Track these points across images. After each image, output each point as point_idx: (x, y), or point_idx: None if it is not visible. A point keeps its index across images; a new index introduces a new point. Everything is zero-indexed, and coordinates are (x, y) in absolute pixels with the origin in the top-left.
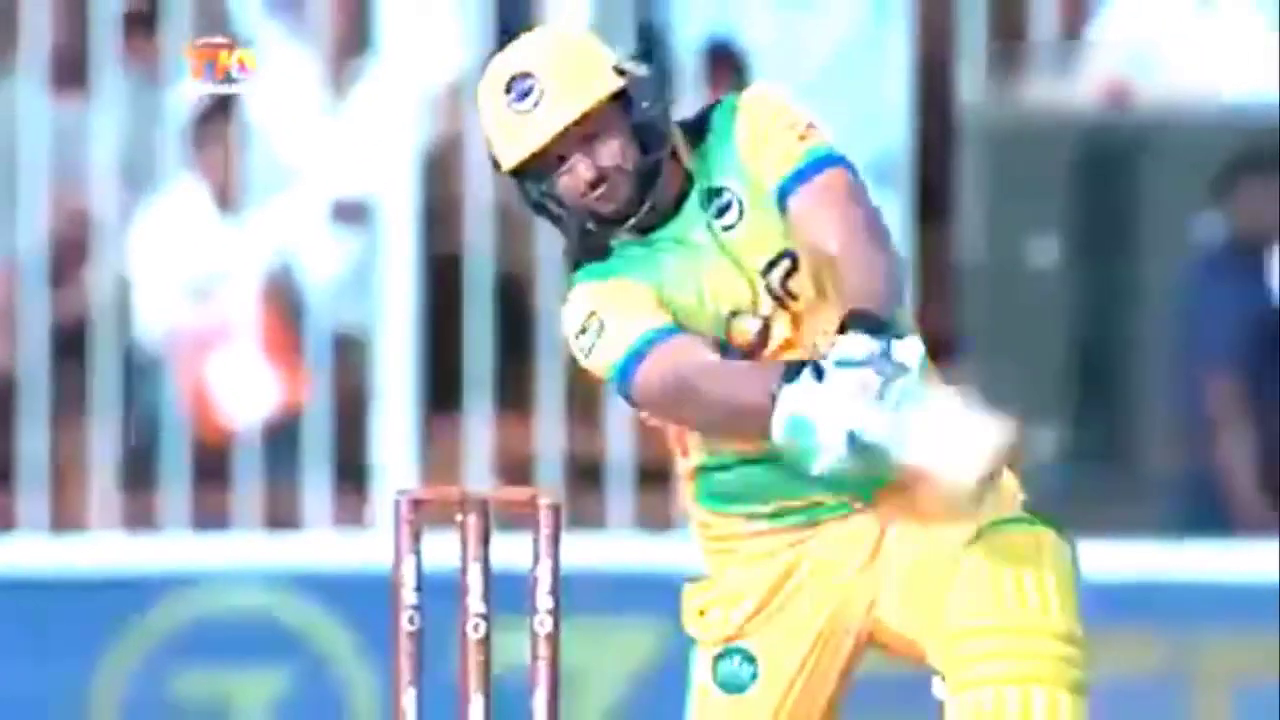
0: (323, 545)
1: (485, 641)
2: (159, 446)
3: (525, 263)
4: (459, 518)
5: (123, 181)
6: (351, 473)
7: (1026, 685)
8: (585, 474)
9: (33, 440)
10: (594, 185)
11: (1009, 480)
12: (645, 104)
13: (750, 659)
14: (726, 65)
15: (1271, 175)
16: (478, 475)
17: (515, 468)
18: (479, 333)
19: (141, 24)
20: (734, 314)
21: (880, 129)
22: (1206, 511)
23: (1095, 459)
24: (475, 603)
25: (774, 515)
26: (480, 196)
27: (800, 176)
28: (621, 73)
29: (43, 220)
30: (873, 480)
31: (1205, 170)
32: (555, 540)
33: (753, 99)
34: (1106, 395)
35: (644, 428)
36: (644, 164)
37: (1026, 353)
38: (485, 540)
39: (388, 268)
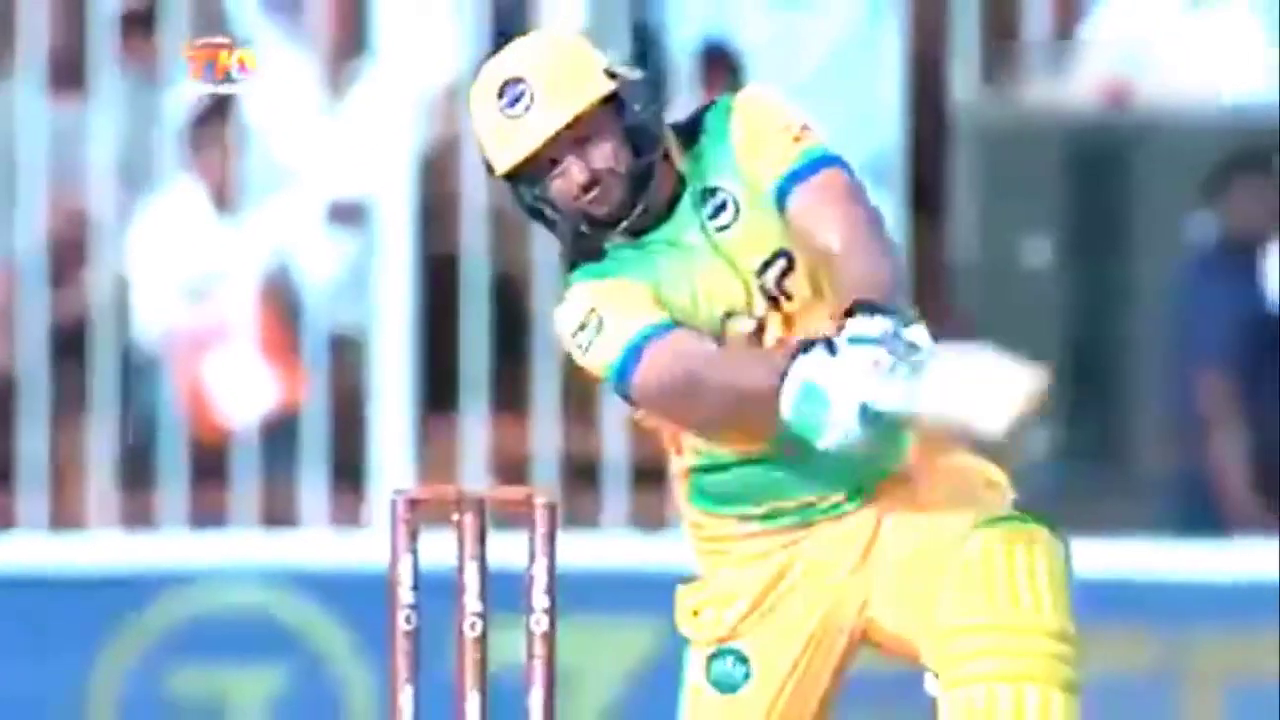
0: (319, 544)
1: (481, 640)
2: (157, 445)
3: (521, 264)
4: (455, 517)
5: (121, 182)
6: (348, 472)
7: (1019, 683)
8: (581, 474)
9: (31, 439)
10: (587, 188)
11: (1001, 478)
12: (637, 107)
13: (743, 659)
14: (721, 66)
15: (1264, 175)
16: (474, 475)
17: (511, 467)
18: (475, 333)
19: (139, 25)
20: (728, 315)
21: (874, 128)
22: (1199, 510)
23: (1088, 457)
24: (471, 601)
25: (766, 517)
26: (476, 198)
27: (798, 176)
28: (613, 76)
29: (41, 221)
30: (867, 477)
31: (1198, 170)
32: (551, 539)
33: (747, 100)
34: (1099, 394)
35: (639, 428)
36: (636, 166)
37: (1019, 351)
38: (481, 539)
39: (384, 268)
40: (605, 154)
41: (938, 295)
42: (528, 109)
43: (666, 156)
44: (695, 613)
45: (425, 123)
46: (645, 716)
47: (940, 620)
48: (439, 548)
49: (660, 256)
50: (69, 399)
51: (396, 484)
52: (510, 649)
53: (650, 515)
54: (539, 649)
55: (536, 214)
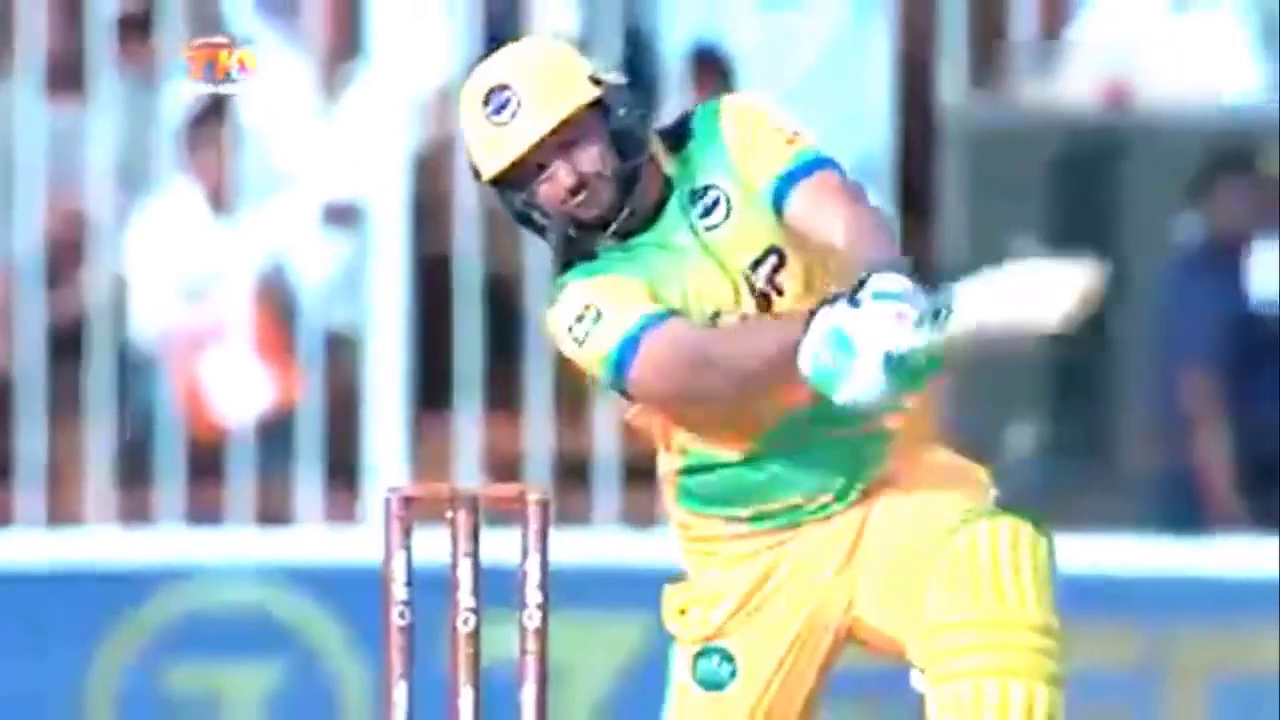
0: (315, 541)
1: (475, 635)
2: (154, 443)
3: (513, 264)
4: (449, 514)
5: (118, 183)
6: (343, 470)
7: (1004, 678)
8: (573, 471)
9: (30, 437)
10: (574, 191)
11: (984, 475)
12: (622, 111)
13: (729, 658)
14: (712, 69)
15: (1248, 176)
16: (467, 472)
17: (504, 465)
18: (468, 333)
19: (136, 28)
20: (717, 314)
21: (862, 130)
22: (1183, 507)
23: (1073, 454)
24: (465, 597)
25: (754, 519)
26: (469, 199)
27: (794, 177)
28: (598, 82)
29: (39, 222)
30: (854, 479)
31: (1185, 171)
32: (544, 536)
33: (737, 103)
34: (1085, 392)
35: (630, 428)
36: (623, 170)
37: (1006, 355)
38: (475, 536)
39: (378, 269)
40: (592, 158)
41: None
42: (514, 115)
43: (653, 160)
44: (682, 611)
45: (419, 125)
46: (635, 711)
47: (926, 616)
48: (433, 544)
49: (650, 257)
50: (67, 397)
51: (391, 482)
52: (503, 644)
53: (641, 513)
54: (531, 644)
55: (524, 219)
